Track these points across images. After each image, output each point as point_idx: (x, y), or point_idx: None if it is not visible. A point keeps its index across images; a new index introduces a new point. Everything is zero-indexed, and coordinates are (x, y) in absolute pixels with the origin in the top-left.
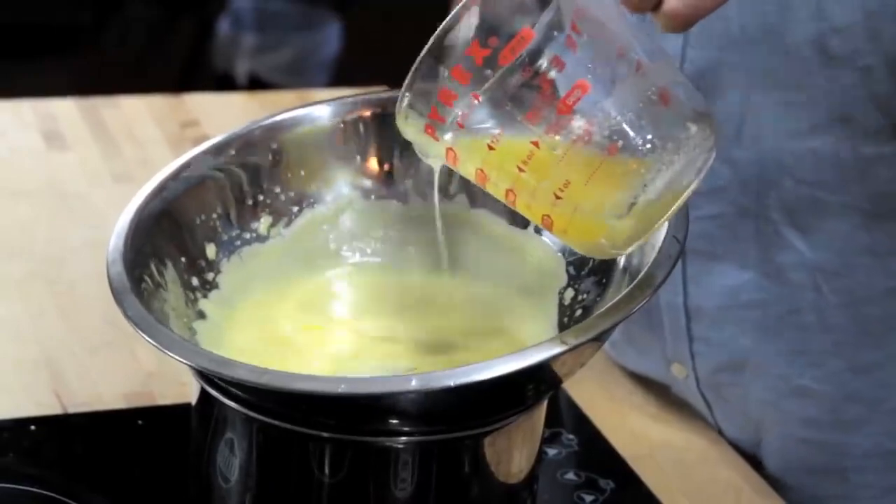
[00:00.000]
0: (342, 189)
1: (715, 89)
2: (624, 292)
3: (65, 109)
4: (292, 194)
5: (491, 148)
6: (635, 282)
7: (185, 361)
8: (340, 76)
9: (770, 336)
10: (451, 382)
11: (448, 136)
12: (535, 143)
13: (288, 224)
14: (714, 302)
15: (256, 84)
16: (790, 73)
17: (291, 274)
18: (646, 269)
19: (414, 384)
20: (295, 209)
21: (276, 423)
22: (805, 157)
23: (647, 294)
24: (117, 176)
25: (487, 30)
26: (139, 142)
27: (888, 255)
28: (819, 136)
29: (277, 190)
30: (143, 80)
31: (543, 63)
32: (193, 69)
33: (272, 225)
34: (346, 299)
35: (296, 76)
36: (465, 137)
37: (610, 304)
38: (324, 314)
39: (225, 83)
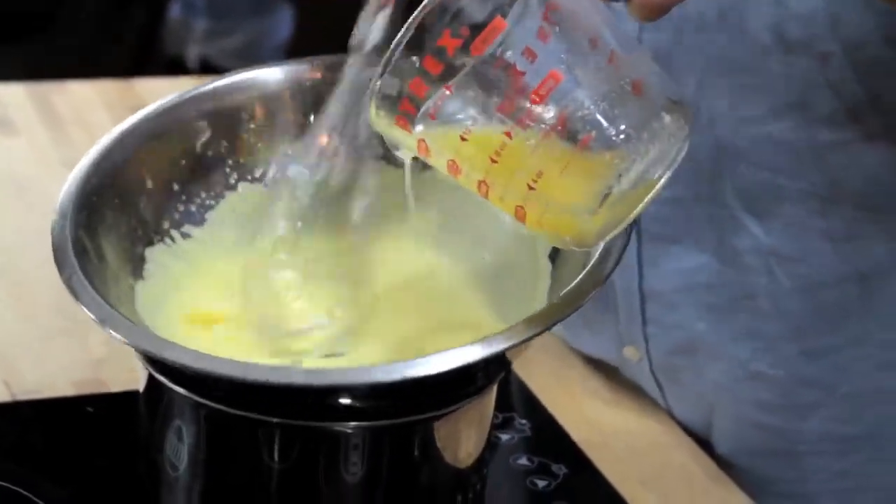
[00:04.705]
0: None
1: (671, 73)
2: (573, 284)
3: (14, 95)
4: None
5: (463, 139)
6: (584, 271)
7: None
8: None
9: (724, 319)
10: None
11: (420, 128)
12: (508, 134)
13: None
14: (669, 284)
15: (208, 69)
16: (747, 58)
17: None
18: (594, 258)
19: (349, 379)
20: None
21: (225, 408)
22: (761, 143)
23: (595, 286)
24: (67, 162)
25: (459, 20)
26: (89, 127)
27: (843, 241)
28: (775, 121)
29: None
30: (94, 66)
31: (515, 53)
32: (145, 54)
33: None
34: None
35: (247, 61)
36: (436, 129)
37: (561, 294)
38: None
39: (176, 68)
